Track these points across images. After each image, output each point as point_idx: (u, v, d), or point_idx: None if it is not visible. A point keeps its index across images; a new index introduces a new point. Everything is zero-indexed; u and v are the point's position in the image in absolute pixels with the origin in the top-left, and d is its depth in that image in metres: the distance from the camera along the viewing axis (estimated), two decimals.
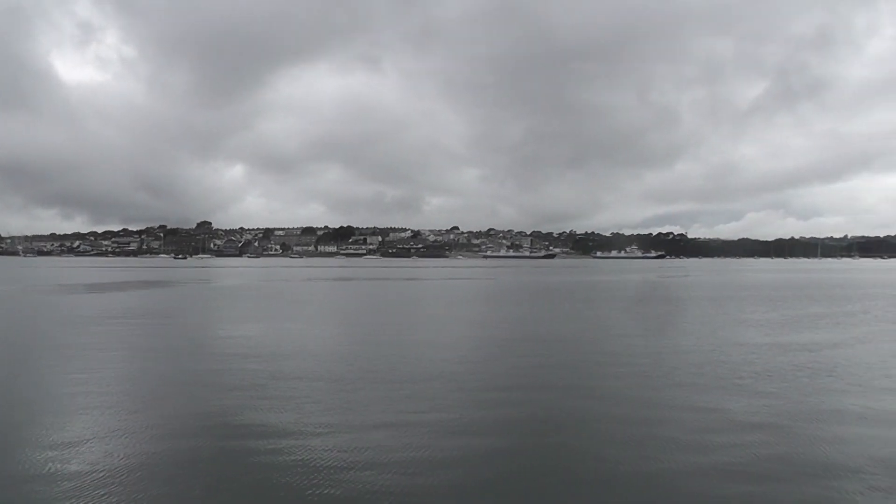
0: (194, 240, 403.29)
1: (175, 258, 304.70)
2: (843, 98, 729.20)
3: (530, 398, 15.00)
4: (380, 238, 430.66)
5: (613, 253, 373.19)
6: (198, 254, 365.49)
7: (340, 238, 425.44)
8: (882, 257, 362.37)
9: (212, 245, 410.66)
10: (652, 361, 19.87)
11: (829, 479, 9.85)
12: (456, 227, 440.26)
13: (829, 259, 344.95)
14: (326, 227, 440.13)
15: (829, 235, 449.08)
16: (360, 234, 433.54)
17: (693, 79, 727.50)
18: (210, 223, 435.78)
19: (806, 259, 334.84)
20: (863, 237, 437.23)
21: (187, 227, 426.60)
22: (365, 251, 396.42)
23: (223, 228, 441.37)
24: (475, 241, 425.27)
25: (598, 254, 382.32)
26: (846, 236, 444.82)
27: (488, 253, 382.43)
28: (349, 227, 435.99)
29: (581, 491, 9.61)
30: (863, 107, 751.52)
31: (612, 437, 12.02)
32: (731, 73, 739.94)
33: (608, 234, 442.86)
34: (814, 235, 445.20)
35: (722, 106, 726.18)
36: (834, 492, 9.45)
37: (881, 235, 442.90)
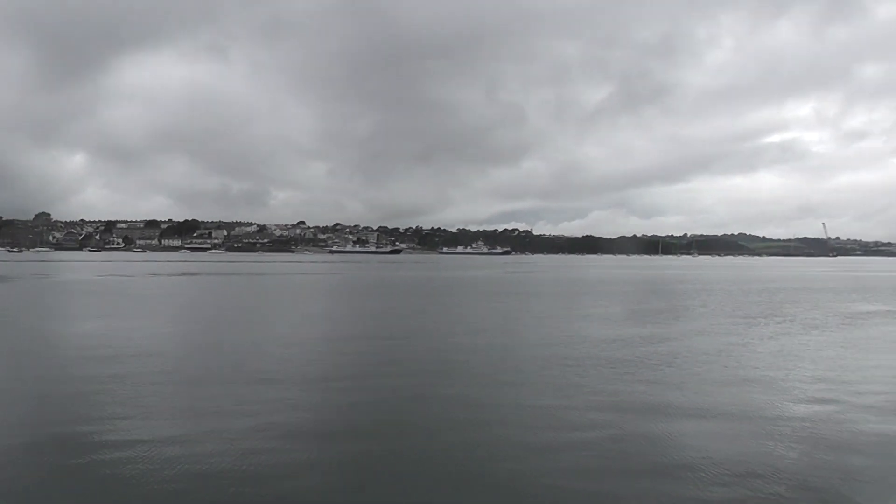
0: (31, 232, 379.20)
1: (10, 251, 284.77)
2: (685, 104, 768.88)
3: (373, 398, 14.60)
4: (225, 232, 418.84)
5: (459, 249, 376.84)
6: (35, 247, 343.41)
7: (185, 232, 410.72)
8: (719, 255, 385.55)
9: (50, 238, 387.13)
10: (497, 357, 19.82)
11: (665, 475, 9.75)
12: (302, 222, 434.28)
13: (670, 256, 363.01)
14: (170, 220, 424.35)
15: (669, 234, 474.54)
16: (205, 228, 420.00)
17: (541, 79, 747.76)
18: (49, 214, 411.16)
19: (647, 256, 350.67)
20: (701, 236, 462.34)
21: (24, 219, 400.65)
22: (210, 245, 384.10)
23: (63, 220, 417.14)
24: (322, 237, 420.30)
25: (445, 250, 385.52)
26: (686, 235, 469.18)
27: (335, 248, 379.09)
28: (194, 220, 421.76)
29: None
30: (702, 113, 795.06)
31: (450, 437, 11.68)
32: (577, 76, 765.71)
33: (454, 230, 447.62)
34: (655, 233, 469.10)
35: (568, 107, 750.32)
36: (670, 486, 9.34)
37: (718, 234, 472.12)
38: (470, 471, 9.93)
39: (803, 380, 16.76)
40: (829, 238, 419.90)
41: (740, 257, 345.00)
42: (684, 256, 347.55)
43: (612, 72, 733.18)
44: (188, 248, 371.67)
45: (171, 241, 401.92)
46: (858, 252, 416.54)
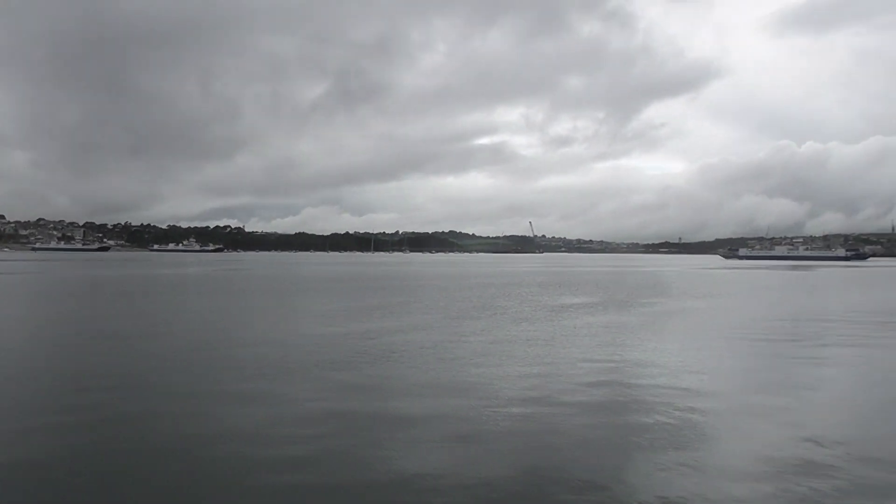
0: None
1: None
2: (399, 104, 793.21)
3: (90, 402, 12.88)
4: None
5: (171, 246, 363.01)
6: None
7: None
8: (431, 251, 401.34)
9: None
10: (217, 355, 18.93)
11: (366, 470, 9.43)
12: (2, 217, 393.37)
13: (382, 253, 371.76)
14: None
15: (381, 231, 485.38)
16: None
17: (257, 74, 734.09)
18: None
19: (360, 253, 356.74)
20: (413, 233, 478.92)
21: None
22: None
23: None
24: (23, 232, 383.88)
25: (156, 247, 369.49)
26: (398, 232, 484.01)
27: (37, 245, 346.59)
28: None
29: None
30: (416, 113, 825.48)
31: (159, 437, 10.54)
32: (293, 72, 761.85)
33: (165, 226, 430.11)
34: (367, 230, 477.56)
35: (284, 103, 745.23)
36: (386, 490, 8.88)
37: (430, 231, 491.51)
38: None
39: (514, 368, 17.31)
40: (536, 236, 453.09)
41: (451, 254, 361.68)
42: (397, 253, 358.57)
43: (327, 69, 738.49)
44: None
45: None
46: (563, 249, 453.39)
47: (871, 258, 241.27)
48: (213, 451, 10.22)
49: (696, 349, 20.90)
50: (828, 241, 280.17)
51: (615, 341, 22.48)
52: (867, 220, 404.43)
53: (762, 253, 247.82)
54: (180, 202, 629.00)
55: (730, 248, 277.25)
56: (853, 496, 8.54)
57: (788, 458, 9.95)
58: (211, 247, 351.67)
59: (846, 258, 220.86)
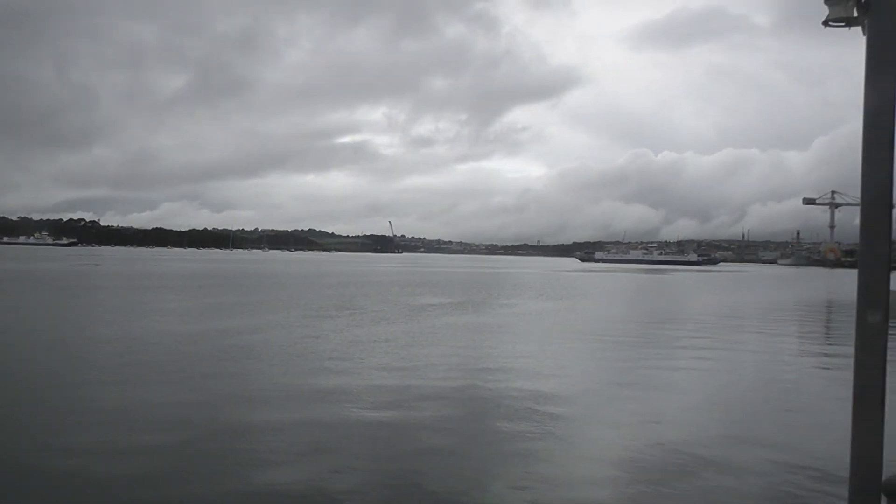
0: None
1: None
2: (262, 100, 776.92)
3: None
4: None
5: (21, 239, 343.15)
6: None
7: None
8: (290, 250, 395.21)
9: None
10: (68, 355, 18.18)
11: (211, 484, 8.95)
12: None
13: (241, 250, 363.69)
14: None
15: (241, 228, 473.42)
16: None
17: (115, 62, 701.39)
18: None
19: (218, 250, 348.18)
20: (273, 230, 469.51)
21: None
22: None
23: None
24: None
25: (6, 239, 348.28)
26: (257, 229, 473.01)
27: None
28: None
29: None
30: (279, 110, 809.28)
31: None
32: (154, 62, 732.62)
33: (15, 218, 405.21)
34: (226, 227, 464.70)
35: (143, 93, 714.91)
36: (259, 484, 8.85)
37: (289, 229, 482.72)
38: None
39: (374, 367, 17.51)
40: (396, 236, 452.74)
41: (310, 252, 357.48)
42: (256, 251, 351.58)
43: (189, 61, 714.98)
44: None
45: None
46: (422, 249, 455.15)
47: (721, 263, 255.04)
48: (50, 463, 9.46)
49: (552, 351, 21.55)
50: (682, 246, 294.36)
51: (474, 342, 22.99)
52: (720, 227, 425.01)
53: (617, 256, 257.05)
54: (32, 192, 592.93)
55: (586, 251, 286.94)
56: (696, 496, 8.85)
57: (639, 460, 10.15)
58: (65, 241, 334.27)
59: (698, 262, 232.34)
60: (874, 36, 3.64)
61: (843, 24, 3.71)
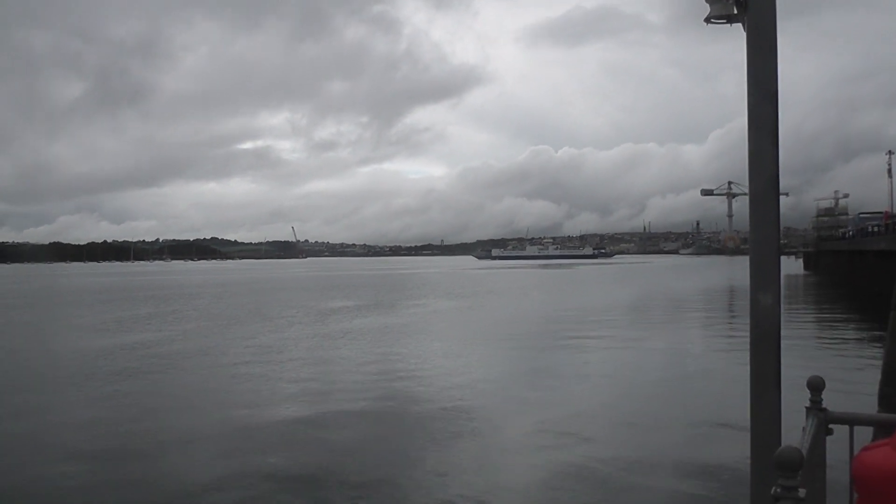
0: None
1: None
2: (160, 107, 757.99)
3: None
4: None
5: None
6: None
7: None
8: (193, 259, 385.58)
9: None
10: None
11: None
12: None
13: (142, 262, 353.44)
14: None
15: (141, 239, 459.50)
16: None
17: (8, 69, 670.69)
18: None
19: (119, 262, 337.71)
20: (174, 240, 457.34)
21: None
22: None
23: None
24: None
25: None
26: (158, 240, 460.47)
27: None
28: None
29: None
30: (177, 117, 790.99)
31: None
32: (50, 69, 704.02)
33: None
34: (126, 239, 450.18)
35: (38, 102, 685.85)
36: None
37: (191, 239, 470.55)
38: None
39: (288, 370, 18.31)
40: (299, 241, 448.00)
41: (213, 261, 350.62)
42: (157, 262, 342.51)
43: (87, 68, 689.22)
44: None
45: None
46: (326, 253, 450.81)
47: (616, 255, 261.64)
48: None
49: (458, 351, 22.13)
50: (584, 240, 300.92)
51: (385, 343, 23.56)
52: (621, 221, 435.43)
53: (514, 253, 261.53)
54: None
55: (482, 249, 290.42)
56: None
57: (553, 461, 10.28)
58: None
59: (594, 256, 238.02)
60: (753, 32, 3.79)
61: (724, 21, 3.84)
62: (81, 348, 23.23)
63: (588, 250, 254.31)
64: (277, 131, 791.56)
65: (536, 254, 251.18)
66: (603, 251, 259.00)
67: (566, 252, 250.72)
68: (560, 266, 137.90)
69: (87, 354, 21.38)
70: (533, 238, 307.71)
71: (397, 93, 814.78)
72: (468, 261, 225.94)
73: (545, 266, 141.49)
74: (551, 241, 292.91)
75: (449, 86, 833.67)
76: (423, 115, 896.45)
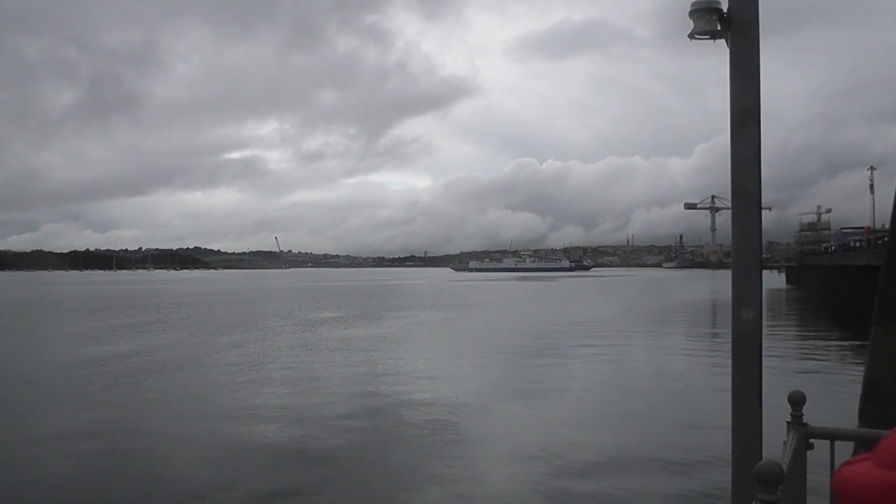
0: None
1: None
2: (149, 115, 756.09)
3: None
4: None
5: None
6: None
7: None
8: (176, 268, 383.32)
9: None
10: None
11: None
12: None
13: (125, 271, 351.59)
14: None
15: (124, 248, 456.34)
16: None
17: (1, 78, 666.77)
18: None
19: (102, 271, 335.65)
20: (157, 250, 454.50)
21: None
22: None
23: None
24: None
25: None
26: (141, 249, 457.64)
27: None
28: None
29: None
30: (166, 126, 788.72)
31: None
32: (41, 77, 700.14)
33: None
34: (110, 248, 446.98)
35: (29, 109, 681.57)
36: None
37: (174, 248, 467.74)
38: None
39: (273, 379, 18.45)
40: (282, 251, 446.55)
41: (197, 271, 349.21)
42: (140, 271, 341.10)
43: (80, 76, 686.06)
44: None
45: None
46: (310, 264, 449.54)
47: (594, 269, 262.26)
48: None
49: (443, 362, 22.43)
50: (568, 253, 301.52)
51: (370, 355, 23.51)
52: (605, 233, 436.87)
53: (491, 265, 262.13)
54: None
55: (459, 261, 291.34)
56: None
57: (533, 473, 10.34)
58: None
59: (571, 269, 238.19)
60: (736, 48, 3.84)
61: (707, 37, 3.88)
62: (73, 356, 23.23)
63: (565, 263, 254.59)
64: (266, 141, 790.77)
65: (514, 266, 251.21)
66: (580, 263, 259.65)
67: (543, 265, 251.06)
68: (537, 279, 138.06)
69: (80, 361, 21.37)
70: (513, 251, 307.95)
71: (386, 104, 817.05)
72: (444, 273, 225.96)
73: (522, 279, 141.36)
74: (530, 253, 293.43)
75: (437, 97, 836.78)
76: (410, 127, 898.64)
